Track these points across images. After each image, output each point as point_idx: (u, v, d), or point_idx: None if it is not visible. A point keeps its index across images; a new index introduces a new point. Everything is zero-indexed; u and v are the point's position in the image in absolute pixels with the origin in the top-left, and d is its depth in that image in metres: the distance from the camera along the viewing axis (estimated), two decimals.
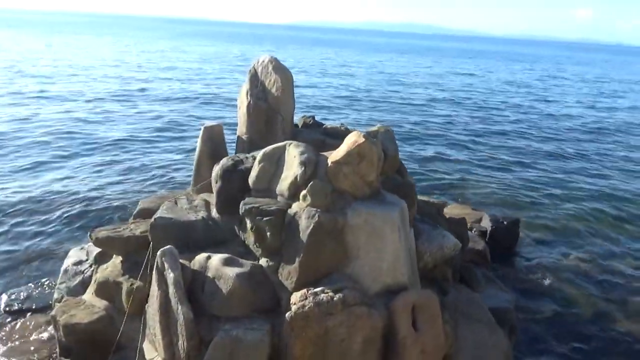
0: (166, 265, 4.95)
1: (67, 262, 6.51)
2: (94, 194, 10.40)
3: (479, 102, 27.78)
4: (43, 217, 9.19)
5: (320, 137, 6.33)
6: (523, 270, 8.62)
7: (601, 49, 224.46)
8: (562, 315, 7.21)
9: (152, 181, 11.57)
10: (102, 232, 5.96)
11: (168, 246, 5.10)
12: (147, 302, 5.37)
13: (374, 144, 5.13)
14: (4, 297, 6.71)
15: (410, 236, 5.50)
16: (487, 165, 14.98)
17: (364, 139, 5.05)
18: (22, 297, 6.76)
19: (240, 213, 5.17)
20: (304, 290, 4.67)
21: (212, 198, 6.24)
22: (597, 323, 7.07)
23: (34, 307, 6.56)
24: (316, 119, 7.08)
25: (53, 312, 5.52)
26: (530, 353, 6.28)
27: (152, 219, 5.57)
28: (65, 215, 9.32)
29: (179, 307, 4.76)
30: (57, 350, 5.45)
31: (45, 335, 5.95)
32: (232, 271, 4.84)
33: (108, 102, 20.72)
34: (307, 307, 4.51)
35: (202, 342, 4.79)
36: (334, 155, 5.11)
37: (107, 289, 5.69)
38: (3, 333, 5.99)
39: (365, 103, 25.44)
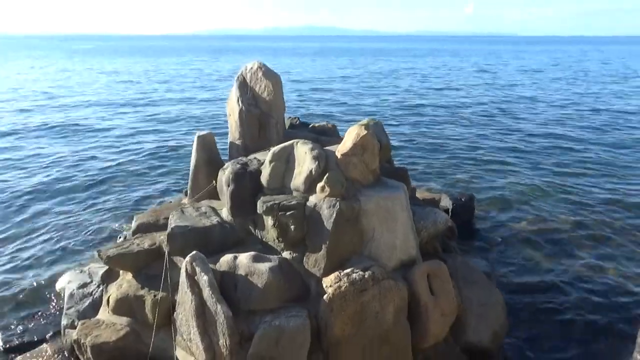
0: (197, 270, 5.11)
1: (71, 287, 6.34)
2: (63, 220, 10.01)
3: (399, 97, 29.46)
4: (14, 250, 8.73)
5: (311, 135, 6.72)
6: (482, 240, 9.56)
7: (484, 41, 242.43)
8: (517, 272, 8.17)
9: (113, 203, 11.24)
10: (112, 250, 5.93)
11: (194, 252, 5.26)
12: (173, 311, 5.47)
13: (373, 136, 5.65)
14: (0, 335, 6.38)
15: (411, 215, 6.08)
16: (424, 148, 16.26)
17: (365, 131, 5.55)
18: (18, 332, 6.46)
19: (260, 211, 5.44)
20: (336, 273, 5.07)
21: (214, 204, 6.44)
22: (545, 275, 8.06)
23: (35, 339, 6.31)
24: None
25: (75, 337, 5.41)
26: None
27: (169, 229, 5.66)
28: (39, 245, 8.92)
29: (218, 307, 4.95)
30: None
31: None
32: (264, 266, 5.11)
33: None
34: (343, 287, 4.91)
35: (242, 338, 5.03)
36: (341, 149, 5.56)
37: (127, 305, 5.67)
38: None
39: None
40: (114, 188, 11.98)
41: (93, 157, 14.66)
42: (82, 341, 5.34)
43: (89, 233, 9.53)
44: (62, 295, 7.23)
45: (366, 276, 5.00)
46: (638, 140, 17.75)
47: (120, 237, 8.92)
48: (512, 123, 20.98)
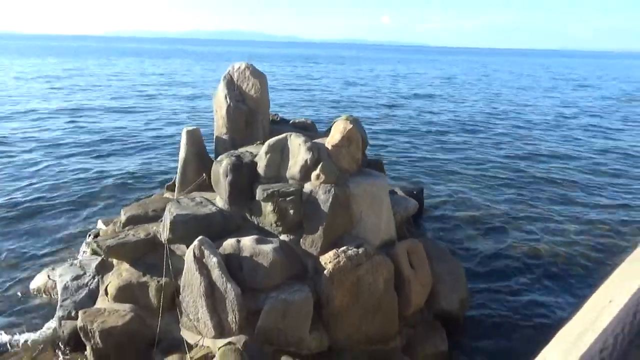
0: (206, 253, 5.50)
1: (63, 280, 6.39)
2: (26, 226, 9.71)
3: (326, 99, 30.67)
4: None
5: (293, 130, 7.26)
6: (431, 226, 10.61)
7: (400, 50, 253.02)
8: (467, 250, 9.27)
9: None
10: (110, 241, 6.11)
11: (200, 237, 5.64)
12: (178, 295, 5.79)
13: (357, 129, 6.34)
14: None
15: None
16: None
17: (351, 125, 6.22)
18: (5, 323, 6.40)
19: (260, 198, 5.92)
20: (334, 251, 5.67)
21: (205, 195, 6.79)
22: (484, 253, 9.22)
23: (24, 333, 6.29)
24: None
25: (81, 324, 5.55)
26: None
27: (171, 217, 5.95)
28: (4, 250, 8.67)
29: (227, 286, 5.38)
30: (92, 358, 5.51)
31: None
32: (267, 247, 5.61)
33: None
34: (342, 262, 5.53)
35: (248, 313, 5.49)
36: (330, 140, 6.18)
37: (129, 292, 5.89)
38: None
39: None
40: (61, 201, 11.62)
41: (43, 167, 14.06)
42: (88, 327, 5.50)
43: (54, 235, 9.37)
44: (38, 293, 7.23)
45: (360, 252, 5.66)
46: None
47: (88, 236, 8.91)
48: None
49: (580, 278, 8.35)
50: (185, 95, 31.10)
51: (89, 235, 8.92)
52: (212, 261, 5.45)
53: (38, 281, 7.36)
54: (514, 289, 7.88)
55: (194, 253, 5.53)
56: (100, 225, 9.12)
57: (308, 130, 7.53)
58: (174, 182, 7.99)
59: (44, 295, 7.18)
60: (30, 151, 15.18)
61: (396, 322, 5.92)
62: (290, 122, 7.73)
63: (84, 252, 8.45)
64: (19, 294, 7.31)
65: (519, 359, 6.00)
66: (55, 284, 7.07)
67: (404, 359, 5.80)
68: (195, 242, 5.57)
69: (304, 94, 33.28)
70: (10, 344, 6.07)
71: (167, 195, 7.88)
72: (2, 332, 6.27)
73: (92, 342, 5.49)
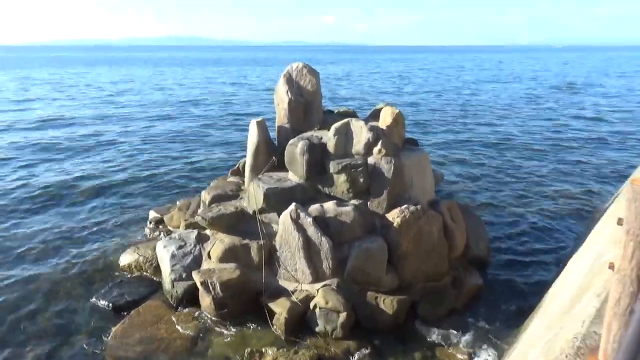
0: (302, 215, 6.91)
1: (169, 250, 7.56)
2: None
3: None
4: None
5: (340, 117, 8.69)
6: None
7: (344, 50, 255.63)
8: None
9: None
10: (209, 214, 7.39)
11: (293, 203, 7.02)
12: (275, 253, 7.15)
13: (401, 113, 7.88)
14: (102, 299, 7.40)
15: None
16: None
17: (397, 110, 7.77)
18: (115, 294, 7.53)
19: (334, 171, 7.34)
20: (399, 208, 7.18)
21: (279, 174, 8.12)
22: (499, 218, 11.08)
23: (136, 298, 7.45)
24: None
25: (202, 279, 6.80)
26: None
27: (264, 190, 7.28)
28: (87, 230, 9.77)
29: (322, 239, 6.81)
30: (213, 306, 6.77)
31: (170, 315, 7.07)
32: (348, 208, 7.06)
33: None
34: (407, 216, 7.06)
35: (337, 261, 6.94)
36: (383, 122, 7.68)
37: (233, 253, 7.19)
38: (132, 327, 6.86)
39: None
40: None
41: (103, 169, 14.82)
42: (208, 281, 6.77)
43: (124, 219, 10.48)
44: (129, 268, 8.34)
45: (418, 208, 7.21)
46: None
47: (149, 222, 10.06)
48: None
49: (564, 228, 10.27)
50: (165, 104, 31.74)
51: (150, 222, 10.09)
52: (307, 221, 6.86)
53: (127, 259, 8.46)
54: (521, 236, 9.70)
55: (291, 215, 6.91)
56: (153, 214, 10.30)
57: (352, 116, 8.97)
58: (238, 168, 9.29)
59: (135, 270, 8.30)
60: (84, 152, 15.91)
61: (446, 263, 7.51)
62: (335, 111, 9.14)
63: (147, 232, 9.67)
64: (111, 270, 8.39)
65: (533, 288, 7.81)
66: (146, 259, 8.25)
67: (453, 291, 7.41)
68: (292, 207, 6.95)
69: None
70: (128, 309, 7.21)
71: (232, 179, 9.16)
72: (116, 301, 7.38)
73: (213, 292, 6.76)
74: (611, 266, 2.20)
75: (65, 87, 40.19)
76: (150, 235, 9.63)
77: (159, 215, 10.12)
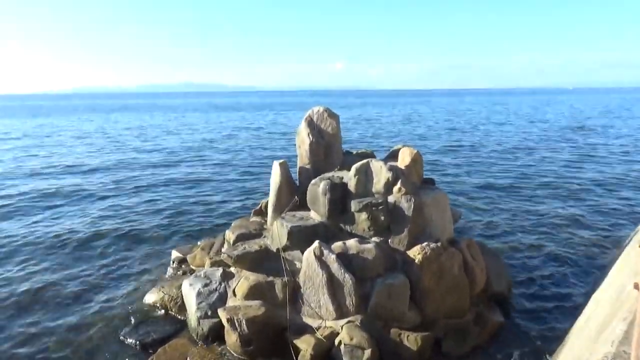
0: (325, 252, 7.11)
1: (195, 288, 7.75)
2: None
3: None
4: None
5: (359, 158, 9.01)
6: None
7: (352, 95, 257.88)
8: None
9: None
10: (235, 253, 7.62)
11: (317, 241, 7.24)
12: (298, 290, 7.31)
13: (419, 154, 8.19)
14: (129, 337, 7.55)
15: None
16: None
17: (416, 150, 8.08)
18: (142, 333, 7.67)
19: (356, 209, 7.59)
20: (420, 245, 7.35)
21: (300, 213, 8.38)
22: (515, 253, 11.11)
23: (162, 336, 7.59)
24: None
25: (228, 316, 6.95)
26: None
27: (288, 228, 7.53)
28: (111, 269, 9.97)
29: (345, 276, 6.97)
30: (239, 343, 6.88)
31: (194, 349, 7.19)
32: (370, 245, 7.26)
33: None
34: (428, 253, 7.22)
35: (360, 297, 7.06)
36: (402, 162, 7.98)
37: (258, 291, 7.36)
38: None
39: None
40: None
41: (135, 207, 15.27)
42: (234, 318, 6.91)
43: (147, 260, 10.75)
44: (155, 306, 8.51)
45: (439, 245, 7.37)
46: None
47: (172, 262, 10.30)
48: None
49: (583, 265, 10.26)
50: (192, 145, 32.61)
51: (173, 262, 10.33)
52: (330, 258, 7.05)
53: (152, 297, 8.65)
54: (540, 274, 9.71)
55: (315, 253, 7.12)
56: (175, 254, 10.56)
57: (370, 157, 9.30)
58: (261, 208, 9.58)
59: (159, 308, 8.46)
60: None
61: (468, 299, 7.58)
62: (354, 152, 9.48)
63: (170, 272, 9.87)
64: (137, 309, 8.56)
65: (556, 324, 7.81)
66: (171, 297, 8.43)
67: (475, 328, 7.44)
68: (315, 244, 7.17)
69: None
70: (154, 347, 7.34)
71: (254, 218, 9.43)
72: (143, 339, 7.53)
73: (239, 329, 6.89)
74: (636, 286, 2.38)
75: (86, 134, 41.53)
76: (174, 274, 9.84)
77: (181, 255, 10.37)
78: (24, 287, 9.54)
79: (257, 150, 29.61)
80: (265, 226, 8.93)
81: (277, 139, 35.65)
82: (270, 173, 8.75)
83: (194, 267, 9.64)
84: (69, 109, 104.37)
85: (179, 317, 8.15)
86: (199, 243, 11.00)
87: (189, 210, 15.08)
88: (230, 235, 8.53)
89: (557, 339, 7.00)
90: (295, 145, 9.12)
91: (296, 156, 9.12)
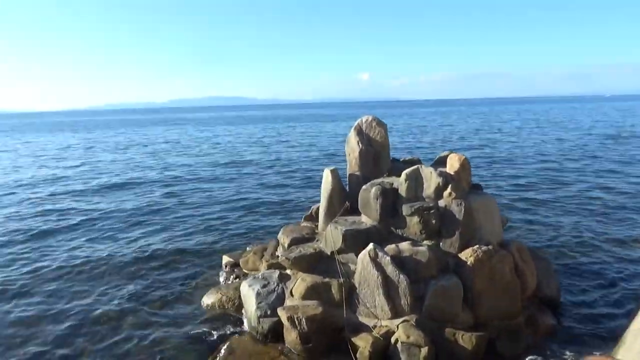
0: (380, 254, 7.41)
1: (254, 289, 8.16)
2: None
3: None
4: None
5: (406, 165, 9.30)
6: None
7: (378, 105, 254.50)
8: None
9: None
10: (292, 255, 8.01)
11: (371, 243, 7.55)
12: (356, 289, 7.62)
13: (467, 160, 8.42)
14: (194, 335, 8.02)
15: None
16: None
17: (464, 157, 8.32)
18: (206, 330, 8.13)
19: (407, 213, 7.87)
20: (471, 248, 7.57)
21: (352, 218, 8.70)
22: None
23: (221, 333, 8.02)
24: None
25: (288, 314, 7.31)
26: None
27: (342, 232, 7.87)
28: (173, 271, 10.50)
29: (400, 277, 7.25)
30: (298, 340, 7.22)
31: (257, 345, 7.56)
32: (423, 248, 7.52)
33: None
34: (480, 255, 7.42)
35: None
36: (451, 168, 8.22)
37: (315, 291, 7.70)
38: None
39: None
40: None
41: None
42: (294, 317, 7.26)
43: (199, 266, 11.27)
44: (212, 307, 8.94)
45: (490, 248, 7.57)
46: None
47: (225, 267, 10.77)
48: None
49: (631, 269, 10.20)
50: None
51: (225, 266, 10.80)
52: (385, 259, 7.35)
53: (210, 299, 9.11)
54: (589, 278, 9.73)
55: (370, 255, 7.43)
56: (226, 259, 11.03)
57: (416, 163, 9.58)
58: (311, 214, 9.97)
59: (217, 309, 8.91)
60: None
61: (519, 301, 7.73)
62: (401, 160, 9.78)
63: (224, 276, 10.32)
64: (196, 311, 9.02)
65: (607, 326, 7.87)
66: (229, 298, 8.87)
67: (527, 330, 7.57)
68: (370, 246, 7.48)
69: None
70: (218, 343, 7.76)
71: (305, 224, 9.82)
72: (207, 337, 7.98)
73: (299, 327, 7.24)
74: None
75: (130, 147, 43.09)
76: (227, 277, 10.29)
77: (232, 260, 10.84)
78: (103, 306, 10.16)
79: (288, 162, 30.00)
80: (316, 231, 9.29)
81: (307, 150, 36.11)
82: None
83: (246, 271, 10.07)
84: (118, 123, 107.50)
85: (237, 316, 8.57)
86: (247, 249, 11.46)
87: (231, 220, 15.61)
88: (284, 239, 8.93)
89: (611, 340, 7.07)
90: (341, 153, 9.48)
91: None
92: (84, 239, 13.84)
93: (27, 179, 24.93)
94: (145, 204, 18.30)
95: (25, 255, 12.42)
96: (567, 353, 7.21)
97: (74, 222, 15.64)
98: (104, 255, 12.27)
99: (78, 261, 11.80)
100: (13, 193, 21.17)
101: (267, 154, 33.95)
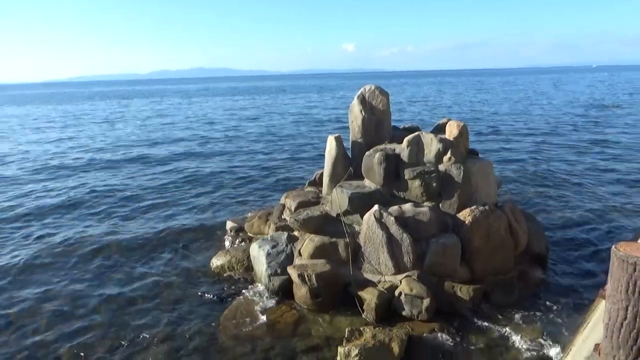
0: (384, 215, 7.90)
1: (264, 249, 8.61)
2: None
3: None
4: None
5: (406, 132, 9.72)
6: None
7: (364, 77, 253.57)
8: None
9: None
10: (300, 217, 8.45)
11: (376, 205, 8.03)
12: (361, 248, 8.13)
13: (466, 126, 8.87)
14: (206, 293, 8.49)
15: None
16: None
17: (462, 123, 8.76)
18: (217, 288, 8.61)
19: (409, 177, 8.34)
20: (469, 209, 8.09)
21: (356, 182, 9.15)
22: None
23: (234, 291, 8.51)
24: None
25: (298, 272, 7.80)
26: None
27: (348, 195, 8.32)
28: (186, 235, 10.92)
29: (403, 235, 7.77)
30: (308, 295, 7.75)
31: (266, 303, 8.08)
32: (425, 208, 8.03)
33: None
34: (477, 215, 7.96)
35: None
36: (450, 134, 8.67)
37: (323, 250, 8.19)
38: (238, 312, 7.88)
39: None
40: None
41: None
42: (305, 274, 7.75)
43: (203, 230, 11.68)
44: (222, 269, 9.41)
45: (487, 208, 8.11)
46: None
47: (230, 231, 11.19)
48: None
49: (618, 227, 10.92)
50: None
51: (230, 231, 11.22)
52: (390, 220, 7.84)
53: (219, 261, 9.55)
54: (576, 235, 10.45)
55: (375, 215, 7.91)
56: (230, 224, 11.44)
57: (416, 131, 10.01)
58: (315, 179, 10.38)
59: (227, 270, 9.38)
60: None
61: (512, 258, 8.34)
62: (401, 127, 10.19)
63: (230, 239, 10.75)
64: (206, 272, 9.48)
65: (592, 279, 8.54)
66: (238, 260, 9.33)
67: (519, 283, 8.20)
68: (375, 207, 7.96)
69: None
70: (229, 300, 8.26)
71: (309, 189, 10.25)
72: (219, 294, 8.46)
73: (309, 283, 7.74)
74: None
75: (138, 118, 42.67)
76: (233, 241, 10.73)
77: (236, 225, 11.26)
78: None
79: (278, 129, 30.31)
80: (321, 195, 9.73)
81: (296, 118, 36.32)
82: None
83: (251, 235, 10.52)
84: (115, 94, 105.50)
85: (246, 276, 9.06)
86: (248, 214, 11.88)
87: (233, 186, 16.01)
88: (290, 203, 9.36)
89: (594, 287, 7.74)
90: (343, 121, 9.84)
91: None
92: (75, 217, 14.06)
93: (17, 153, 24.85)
94: (147, 181, 18.48)
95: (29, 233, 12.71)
96: (554, 302, 7.89)
97: (72, 200, 15.65)
98: (106, 231, 12.52)
99: (86, 234, 12.05)
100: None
101: (258, 127, 34.10)
